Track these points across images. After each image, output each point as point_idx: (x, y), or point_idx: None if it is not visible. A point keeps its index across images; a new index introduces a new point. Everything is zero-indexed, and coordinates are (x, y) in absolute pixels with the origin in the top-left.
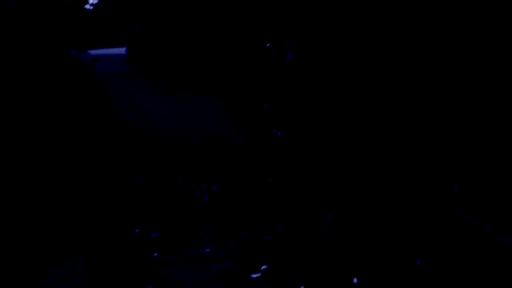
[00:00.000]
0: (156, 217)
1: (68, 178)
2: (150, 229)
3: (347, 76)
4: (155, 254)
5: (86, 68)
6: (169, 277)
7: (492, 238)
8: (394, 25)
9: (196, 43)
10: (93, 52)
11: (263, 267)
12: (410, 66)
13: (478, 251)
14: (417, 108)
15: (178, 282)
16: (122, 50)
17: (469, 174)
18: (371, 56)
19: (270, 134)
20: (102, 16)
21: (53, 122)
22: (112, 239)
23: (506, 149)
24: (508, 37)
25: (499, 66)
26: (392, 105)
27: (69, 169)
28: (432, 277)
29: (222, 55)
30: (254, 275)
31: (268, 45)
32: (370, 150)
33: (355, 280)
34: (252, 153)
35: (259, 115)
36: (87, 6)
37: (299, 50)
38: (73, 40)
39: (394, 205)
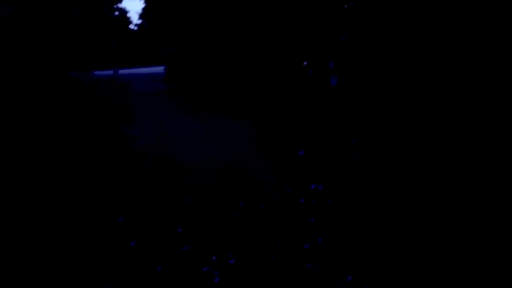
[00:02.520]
0: None
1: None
2: None
3: (420, 112)
4: None
5: (83, 90)
6: None
7: None
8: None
9: (231, 63)
10: (134, 70)
11: None
12: None
13: None
14: None
15: None
16: (162, 69)
17: None
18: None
19: (308, 189)
20: (146, 36)
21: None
22: None
23: None
24: None
25: None
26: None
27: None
28: None
29: (257, 77)
30: None
31: (305, 63)
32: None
33: None
34: (285, 196)
35: (295, 155)
36: (132, 26)
37: (348, 73)
38: (82, 59)
39: None
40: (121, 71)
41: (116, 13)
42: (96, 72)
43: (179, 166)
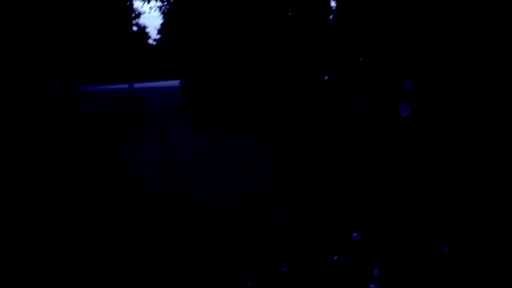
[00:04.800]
0: None
1: None
2: None
3: None
4: None
5: (61, 106)
6: None
7: None
8: None
9: (247, 77)
10: (151, 84)
11: None
12: None
13: None
14: None
15: None
16: (178, 83)
17: None
18: None
19: (342, 239)
20: (164, 50)
21: None
22: None
23: None
24: None
25: None
26: None
27: None
28: None
29: (277, 93)
30: None
31: (326, 78)
32: None
33: None
34: (312, 249)
35: (323, 186)
36: (150, 41)
37: (429, 98)
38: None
39: None
40: (138, 85)
41: (135, 28)
42: (111, 86)
43: (183, 204)
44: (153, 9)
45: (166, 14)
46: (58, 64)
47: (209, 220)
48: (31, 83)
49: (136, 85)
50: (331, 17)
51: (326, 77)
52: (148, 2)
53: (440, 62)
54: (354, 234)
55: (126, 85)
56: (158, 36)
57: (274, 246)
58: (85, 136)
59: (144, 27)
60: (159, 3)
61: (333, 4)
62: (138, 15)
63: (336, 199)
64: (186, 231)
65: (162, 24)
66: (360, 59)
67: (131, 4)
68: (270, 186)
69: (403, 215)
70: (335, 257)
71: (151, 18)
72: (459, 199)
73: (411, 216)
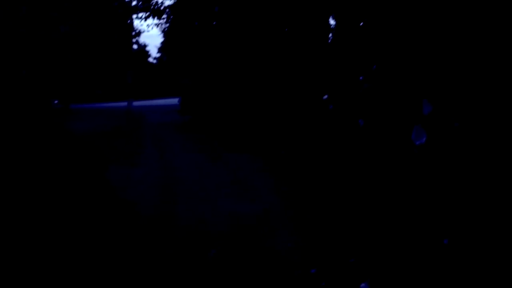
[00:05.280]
0: None
1: None
2: None
3: None
4: None
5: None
6: None
7: None
8: None
9: (246, 96)
10: (151, 102)
11: None
12: None
13: None
14: None
15: None
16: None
17: None
18: None
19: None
20: (164, 69)
21: None
22: None
23: None
24: None
25: None
26: None
27: None
28: None
29: (276, 110)
30: None
31: (325, 97)
32: None
33: None
34: (310, 282)
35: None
36: (151, 60)
37: (447, 121)
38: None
39: None
40: (137, 103)
41: (135, 46)
42: (111, 104)
43: (178, 229)
44: (150, 27)
45: (166, 32)
46: (57, 83)
47: (202, 247)
48: (32, 101)
49: (136, 103)
50: (330, 35)
51: (325, 96)
52: (146, 20)
53: (458, 80)
54: (362, 285)
55: (125, 103)
56: (158, 55)
57: (271, 279)
58: (75, 157)
59: (145, 46)
60: (156, 21)
61: (332, 22)
62: (138, 33)
63: (336, 227)
64: (177, 259)
65: (162, 43)
66: (360, 78)
67: (131, 23)
68: (271, 211)
69: (414, 257)
70: None
71: (152, 37)
72: (486, 243)
73: (423, 258)
